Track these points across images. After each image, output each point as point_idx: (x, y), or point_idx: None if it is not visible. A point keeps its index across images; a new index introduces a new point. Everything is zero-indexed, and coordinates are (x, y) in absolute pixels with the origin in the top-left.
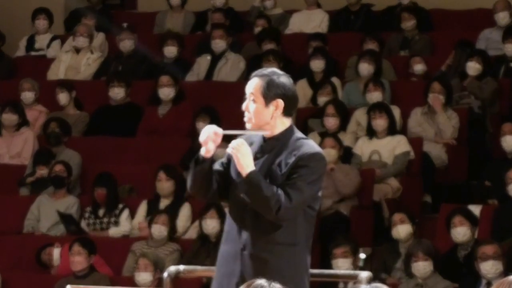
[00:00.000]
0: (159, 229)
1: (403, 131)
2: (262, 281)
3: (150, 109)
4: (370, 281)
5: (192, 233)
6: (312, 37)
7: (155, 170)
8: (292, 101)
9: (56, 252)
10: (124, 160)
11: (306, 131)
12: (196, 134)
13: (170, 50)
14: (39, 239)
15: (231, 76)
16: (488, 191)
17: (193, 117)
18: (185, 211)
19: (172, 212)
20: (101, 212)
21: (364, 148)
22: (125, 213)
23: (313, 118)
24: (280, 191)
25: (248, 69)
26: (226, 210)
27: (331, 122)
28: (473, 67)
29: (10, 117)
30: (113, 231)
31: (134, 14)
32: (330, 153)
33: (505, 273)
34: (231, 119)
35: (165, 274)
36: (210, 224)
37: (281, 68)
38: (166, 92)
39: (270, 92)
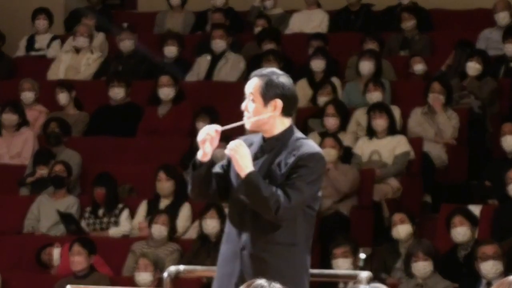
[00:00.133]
0: (159, 229)
1: (403, 131)
2: (262, 281)
3: (150, 109)
4: (370, 281)
5: (192, 233)
6: (313, 37)
7: (155, 170)
8: (291, 101)
9: (56, 252)
10: (124, 160)
11: (306, 131)
12: (196, 134)
13: (170, 50)
14: (39, 239)
15: (231, 76)
16: (488, 191)
17: (193, 117)
18: (185, 211)
19: (172, 212)
20: (100, 212)
21: (364, 148)
22: (125, 213)
23: (313, 118)
24: (279, 191)
25: (248, 69)
26: (226, 210)
27: (331, 122)
28: (473, 67)
29: (10, 117)
30: (113, 231)
31: (134, 14)
32: (330, 153)
33: (505, 273)
34: (231, 119)
35: (165, 274)
36: (210, 224)
37: (281, 68)
38: (166, 92)
39: (268, 92)
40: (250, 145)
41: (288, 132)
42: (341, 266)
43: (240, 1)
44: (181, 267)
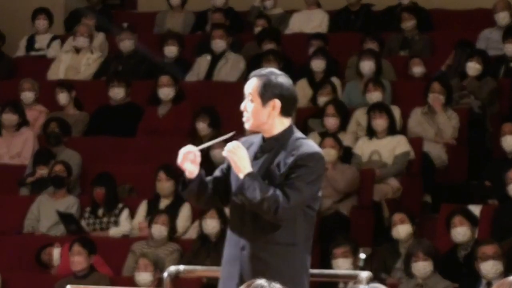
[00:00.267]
0: (159, 229)
1: (403, 131)
2: (262, 281)
3: (150, 109)
4: (370, 281)
5: (192, 233)
6: (313, 37)
7: (155, 170)
8: (289, 101)
9: (56, 252)
10: (124, 160)
11: (306, 131)
12: (196, 134)
13: (171, 50)
14: (39, 239)
15: (231, 76)
16: (488, 191)
17: (193, 117)
18: (185, 211)
19: (172, 212)
20: (100, 212)
21: (364, 148)
22: (125, 213)
23: (313, 118)
24: (278, 191)
25: (248, 69)
26: (226, 210)
27: (331, 122)
28: (473, 67)
29: (10, 117)
30: (113, 231)
31: (134, 14)
32: (330, 153)
33: (505, 273)
34: (231, 119)
35: (165, 274)
36: (210, 224)
37: (281, 68)
38: (166, 92)
39: (267, 92)
40: (250, 145)
41: (287, 132)
42: (341, 266)
43: (240, 1)
44: (181, 267)
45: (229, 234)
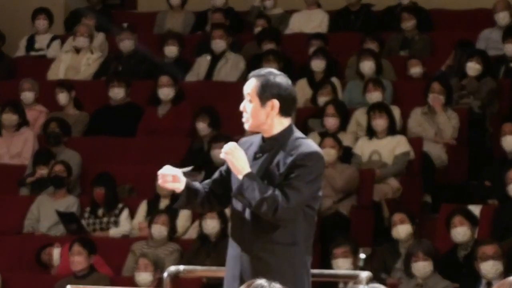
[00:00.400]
0: (159, 229)
1: (403, 131)
2: (262, 281)
3: (150, 109)
4: (370, 281)
5: (192, 233)
6: (313, 37)
7: (155, 170)
8: (288, 102)
9: (56, 252)
10: (124, 160)
11: (306, 131)
12: (196, 134)
13: (171, 50)
14: (39, 239)
15: (231, 76)
16: (488, 191)
17: (193, 117)
18: (185, 211)
19: (172, 212)
20: (100, 212)
21: (364, 148)
22: (125, 213)
23: (313, 118)
24: (277, 192)
25: (248, 69)
26: (227, 210)
27: (331, 122)
28: (473, 67)
29: (10, 117)
30: (113, 232)
31: (134, 14)
32: (330, 153)
33: (505, 273)
34: (231, 119)
35: (165, 274)
36: (210, 224)
37: (281, 68)
38: (166, 92)
39: (265, 93)
40: (250, 145)
41: (287, 132)
42: (341, 266)
43: (240, 1)
44: (181, 267)
45: (230, 234)
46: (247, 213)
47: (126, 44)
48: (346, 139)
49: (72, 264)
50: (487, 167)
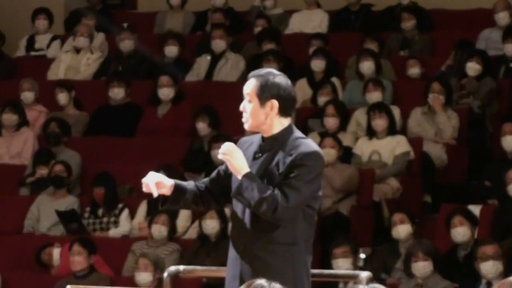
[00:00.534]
0: (159, 229)
1: (403, 131)
2: (262, 281)
3: (150, 109)
4: (370, 281)
5: (192, 233)
6: (313, 37)
7: (155, 170)
8: (287, 102)
9: (56, 252)
10: (124, 160)
11: (306, 131)
12: (196, 134)
13: (171, 50)
14: (39, 239)
15: (231, 76)
16: (488, 191)
17: (193, 117)
18: (185, 211)
19: (172, 212)
20: (100, 212)
21: (364, 148)
22: (125, 213)
23: (313, 118)
24: (276, 191)
25: (248, 69)
26: (226, 210)
27: (331, 122)
28: (472, 67)
29: (10, 117)
30: (113, 232)
31: (134, 14)
32: (330, 153)
33: (505, 273)
34: (231, 119)
35: (165, 274)
36: (210, 224)
37: (281, 68)
38: (166, 92)
39: (264, 93)
40: (250, 145)
41: (287, 132)
42: (341, 266)
43: (240, 1)
44: (181, 267)
45: (231, 234)
46: (247, 213)
47: (126, 44)
48: (346, 139)
49: (72, 264)
50: (487, 167)
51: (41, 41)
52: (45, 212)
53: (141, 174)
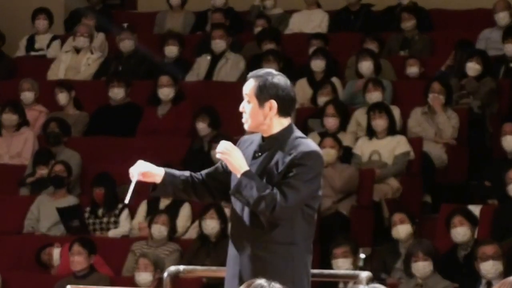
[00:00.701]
0: (159, 229)
1: (403, 131)
2: (261, 281)
3: (150, 109)
4: (370, 281)
5: (192, 233)
6: (313, 37)
7: None
8: (286, 102)
9: (56, 252)
10: (124, 160)
11: (306, 131)
12: (196, 134)
13: (171, 50)
14: (39, 239)
15: (231, 76)
16: (488, 191)
17: (193, 117)
18: (185, 211)
19: (172, 212)
20: (100, 212)
21: (364, 148)
22: (125, 213)
23: (313, 118)
24: (275, 190)
25: (248, 69)
26: (226, 210)
27: (331, 122)
28: (472, 68)
29: (10, 117)
30: (113, 232)
31: (134, 14)
32: (330, 153)
33: (505, 273)
34: (231, 119)
35: (165, 274)
36: (210, 225)
37: (281, 68)
38: (166, 92)
39: (263, 93)
40: (250, 143)
41: (286, 132)
42: (341, 266)
43: (240, 1)
44: (181, 267)
45: (230, 233)
46: (246, 212)
47: (126, 44)
48: (346, 139)
49: (72, 264)
50: (487, 167)
51: (41, 41)
52: (45, 212)
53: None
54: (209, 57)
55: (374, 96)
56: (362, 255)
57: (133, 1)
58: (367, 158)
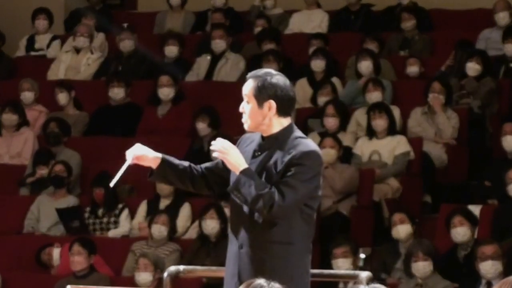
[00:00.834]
0: (159, 229)
1: (403, 131)
2: (261, 281)
3: (150, 109)
4: (370, 281)
5: (192, 233)
6: (313, 37)
7: None
8: (285, 102)
9: (56, 252)
10: (124, 160)
11: (306, 131)
12: (196, 134)
13: (171, 50)
14: (39, 239)
15: (231, 76)
16: (488, 191)
17: (193, 117)
18: (185, 211)
19: (172, 212)
20: (100, 212)
21: (364, 148)
22: (125, 213)
23: (313, 118)
24: (273, 189)
25: (248, 69)
26: (226, 210)
27: (331, 122)
28: (472, 68)
29: (10, 117)
30: (113, 232)
31: (134, 14)
32: (330, 153)
33: (505, 273)
34: (231, 119)
35: (165, 274)
36: (210, 225)
37: (281, 68)
38: (166, 92)
39: (261, 94)
40: (250, 142)
41: (286, 131)
42: (341, 266)
43: (240, 1)
44: (181, 267)
45: (229, 232)
46: (245, 211)
47: (126, 44)
48: (346, 139)
49: (72, 264)
50: (487, 167)
51: (41, 41)
52: (45, 212)
53: (141, 174)
54: (209, 57)
55: (374, 96)
56: (362, 255)
57: (133, 1)
58: (367, 158)
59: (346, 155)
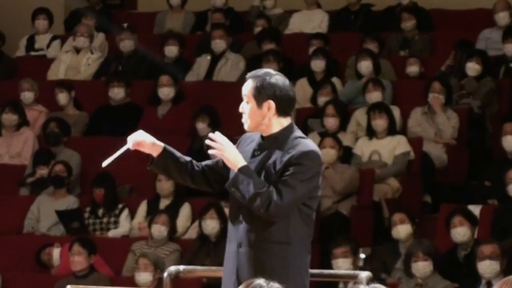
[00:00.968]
0: (159, 229)
1: (403, 131)
2: (261, 281)
3: (150, 109)
4: (370, 281)
5: (192, 233)
6: (313, 37)
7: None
8: (284, 102)
9: (56, 252)
10: (124, 160)
11: (306, 131)
12: (196, 134)
13: (171, 50)
14: (39, 239)
15: (231, 76)
16: (488, 191)
17: (193, 117)
18: (185, 211)
19: (172, 212)
20: (100, 212)
21: (364, 148)
22: (125, 213)
23: (313, 118)
24: (271, 188)
25: (248, 69)
26: (226, 210)
27: (331, 122)
28: (472, 68)
29: (10, 117)
30: (113, 232)
31: (134, 14)
32: (330, 153)
33: (505, 273)
34: (231, 119)
35: (165, 274)
36: (210, 225)
37: (281, 68)
38: (166, 92)
39: (260, 94)
40: (251, 142)
41: (286, 131)
42: (341, 266)
43: (240, 1)
44: (181, 267)
45: (228, 230)
46: (243, 210)
47: (126, 44)
48: (346, 139)
49: (72, 264)
50: (487, 167)
51: (41, 41)
52: (45, 212)
53: (141, 174)
54: (209, 57)
55: (374, 96)
56: (362, 255)
57: (133, 1)
58: (367, 158)
59: (346, 155)
